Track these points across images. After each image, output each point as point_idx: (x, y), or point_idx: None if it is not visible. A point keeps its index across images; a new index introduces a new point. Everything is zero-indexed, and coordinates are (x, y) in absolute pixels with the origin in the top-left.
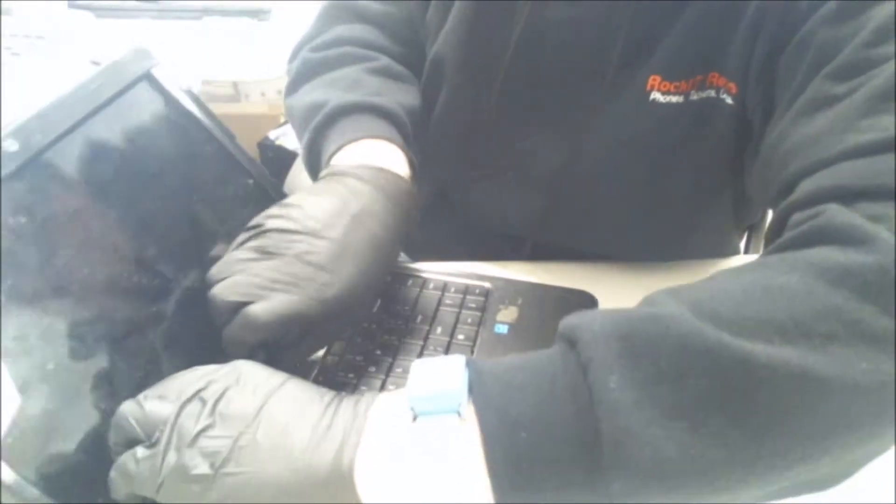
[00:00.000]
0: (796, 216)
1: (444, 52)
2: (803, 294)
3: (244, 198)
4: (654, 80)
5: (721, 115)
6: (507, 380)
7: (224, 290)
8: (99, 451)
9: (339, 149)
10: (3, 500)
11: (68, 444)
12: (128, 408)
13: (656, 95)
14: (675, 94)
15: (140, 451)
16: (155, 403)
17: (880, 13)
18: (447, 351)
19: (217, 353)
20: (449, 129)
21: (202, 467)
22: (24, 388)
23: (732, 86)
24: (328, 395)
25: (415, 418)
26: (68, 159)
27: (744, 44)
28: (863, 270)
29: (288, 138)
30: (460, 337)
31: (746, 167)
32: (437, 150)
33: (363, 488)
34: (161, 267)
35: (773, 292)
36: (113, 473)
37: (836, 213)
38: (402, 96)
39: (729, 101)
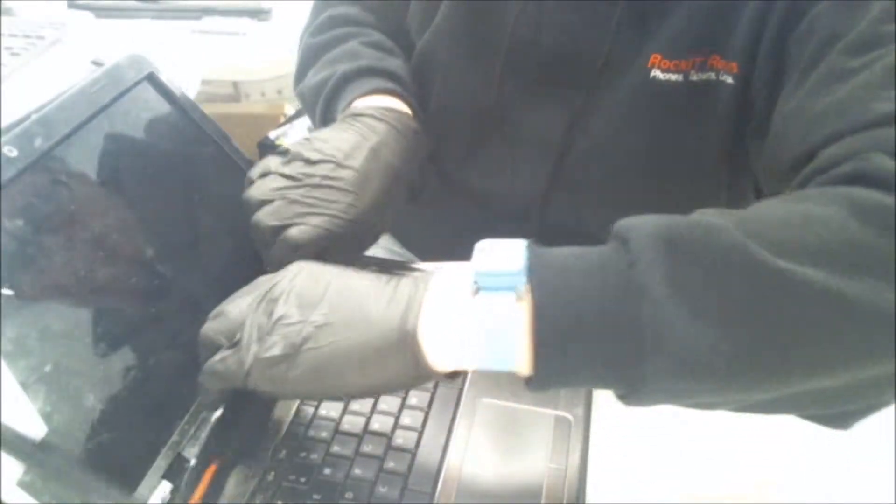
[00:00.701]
0: (820, 178)
1: (438, 38)
2: (837, 226)
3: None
4: (655, 58)
5: (721, 98)
6: (562, 265)
7: (266, 216)
8: (98, 451)
9: (349, 105)
10: (3, 500)
11: (68, 444)
12: (207, 326)
13: (657, 73)
14: (674, 72)
15: (223, 352)
16: (230, 310)
17: None
18: None
19: None
20: (450, 111)
21: (284, 349)
22: (24, 387)
23: (734, 65)
24: (384, 274)
25: (476, 292)
26: (67, 163)
27: (750, 25)
28: (893, 213)
29: (288, 138)
30: None
31: (752, 147)
32: (438, 132)
33: (429, 351)
34: (160, 267)
35: (811, 221)
36: (202, 377)
37: (877, 159)
38: (399, 63)
39: (730, 80)
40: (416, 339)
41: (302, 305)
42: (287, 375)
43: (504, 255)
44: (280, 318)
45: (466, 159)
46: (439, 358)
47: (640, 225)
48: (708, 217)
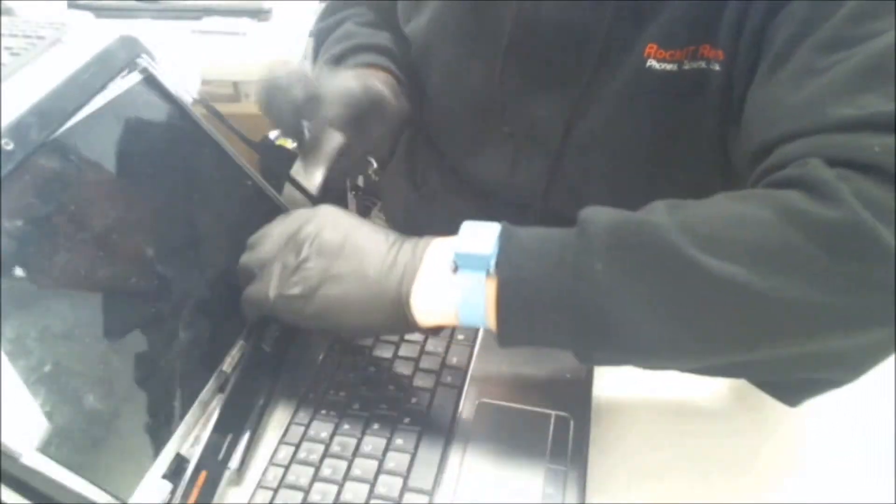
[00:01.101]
0: (768, 178)
1: (435, 34)
2: (767, 227)
3: (242, 198)
4: (651, 48)
5: (710, 85)
6: (526, 248)
7: None
8: (98, 451)
9: None
10: (4, 500)
11: (68, 444)
12: (245, 256)
13: (652, 63)
14: (669, 62)
15: (255, 282)
16: (262, 244)
17: None
18: (447, 351)
19: (216, 350)
20: (450, 104)
21: (303, 291)
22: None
23: (720, 53)
24: (392, 235)
25: (455, 269)
26: (65, 161)
27: (735, 13)
28: (820, 220)
29: (288, 138)
30: (460, 337)
31: (730, 134)
32: (439, 125)
33: (417, 311)
34: (159, 266)
35: (745, 222)
36: (242, 305)
37: (815, 167)
38: (387, 36)
39: (717, 68)
40: (407, 302)
41: (321, 253)
42: (303, 310)
43: (480, 238)
44: (303, 261)
45: (467, 152)
46: (424, 317)
47: (598, 216)
48: (655, 215)
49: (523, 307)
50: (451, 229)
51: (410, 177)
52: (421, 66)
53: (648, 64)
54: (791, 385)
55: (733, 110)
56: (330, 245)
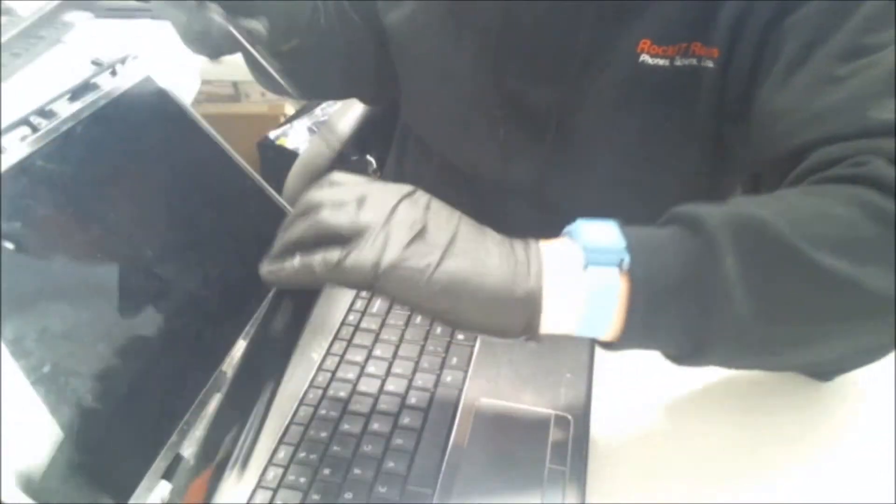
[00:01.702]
0: (815, 177)
1: (422, 27)
2: (854, 223)
3: (241, 197)
4: (644, 43)
5: (702, 83)
6: (653, 245)
7: None
8: (98, 451)
9: None
10: (3, 500)
11: (67, 444)
12: (329, 214)
13: (645, 57)
14: (662, 57)
15: (352, 246)
16: (360, 207)
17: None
18: (447, 351)
19: (215, 351)
20: (440, 97)
21: (427, 263)
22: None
23: (714, 51)
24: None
25: (586, 266)
26: (66, 160)
27: (734, 12)
28: (893, 214)
29: (288, 138)
30: (460, 337)
31: (728, 130)
32: (426, 117)
33: (544, 310)
34: (158, 266)
35: (832, 218)
36: (308, 261)
37: (880, 166)
38: None
39: (710, 65)
40: (538, 300)
41: (440, 228)
42: (420, 288)
43: (605, 233)
44: (426, 232)
45: (458, 146)
46: (548, 319)
47: (711, 214)
48: (753, 209)
49: (652, 303)
50: None
51: (401, 180)
52: (403, 60)
53: (641, 59)
54: (830, 364)
55: (728, 109)
56: (447, 222)
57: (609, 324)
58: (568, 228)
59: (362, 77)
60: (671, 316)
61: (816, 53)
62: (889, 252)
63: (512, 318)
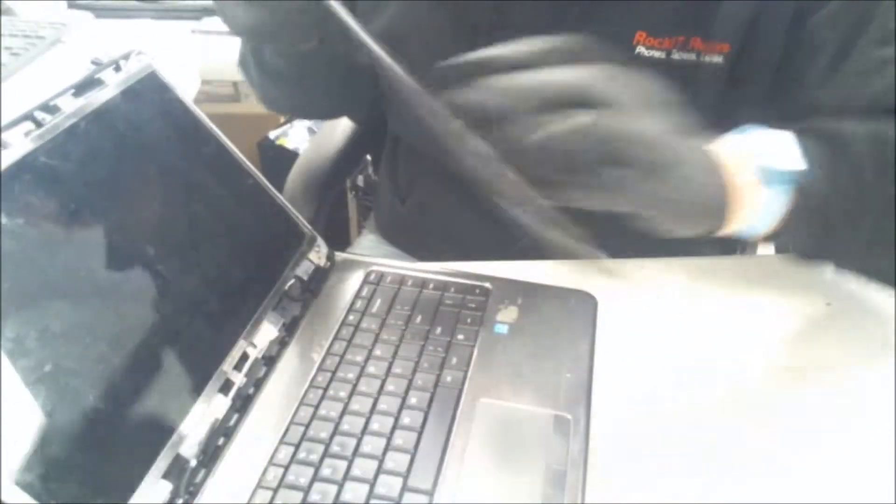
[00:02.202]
0: None
1: (399, 29)
2: None
3: (242, 197)
4: (640, 35)
5: (705, 78)
6: (819, 161)
7: None
8: (98, 451)
9: None
10: (3, 500)
11: (68, 444)
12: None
13: (641, 49)
14: (657, 49)
15: (629, 169)
16: (647, 131)
17: None
18: (447, 351)
19: (215, 351)
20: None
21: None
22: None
23: (724, 46)
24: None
25: (762, 182)
26: (69, 157)
27: (743, 11)
28: None
29: (288, 138)
30: (460, 337)
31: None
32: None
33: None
34: (159, 266)
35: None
36: (562, 127)
37: None
38: None
39: (717, 60)
40: (731, 208)
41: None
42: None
43: (786, 153)
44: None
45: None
46: (731, 223)
47: (854, 133)
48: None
49: (811, 215)
50: (442, 240)
51: (395, 191)
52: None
53: (637, 50)
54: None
55: (736, 102)
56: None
57: (768, 229)
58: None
59: (358, 94)
60: (831, 224)
61: (858, 44)
62: None
63: (705, 221)
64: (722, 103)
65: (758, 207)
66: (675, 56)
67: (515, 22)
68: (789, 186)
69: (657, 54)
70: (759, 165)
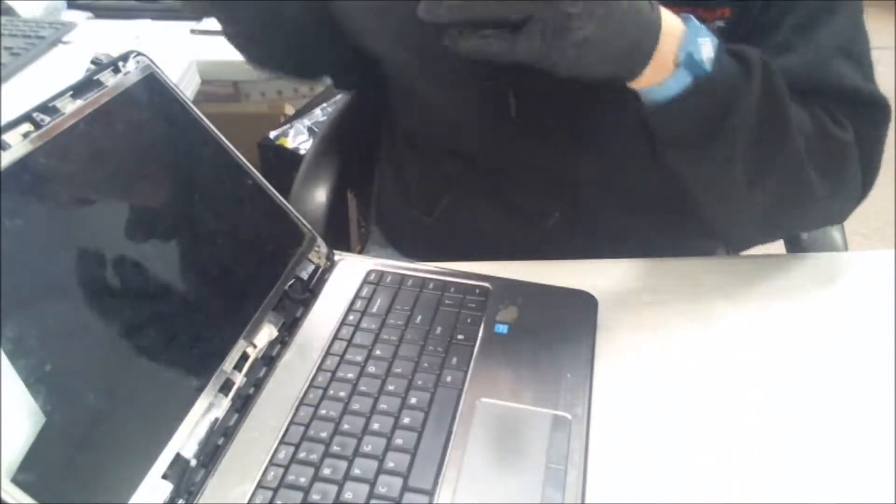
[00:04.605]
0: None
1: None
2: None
3: (242, 197)
4: None
5: None
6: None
7: None
8: (98, 451)
9: None
10: (4, 500)
11: (68, 444)
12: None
13: None
14: None
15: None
16: None
17: None
18: (447, 351)
19: (215, 351)
20: (435, 94)
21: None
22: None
23: (725, 11)
24: None
25: (676, 64)
26: (69, 158)
27: None
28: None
29: (288, 138)
30: (460, 337)
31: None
32: (429, 112)
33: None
34: (159, 265)
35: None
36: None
37: None
38: None
39: (720, 24)
40: (652, 55)
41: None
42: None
43: (705, 49)
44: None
45: (474, 139)
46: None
47: (758, 63)
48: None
49: (695, 103)
50: (475, 246)
51: (419, 207)
52: (388, 61)
53: None
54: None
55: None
56: None
57: (664, 96)
58: (690, 22)
59: (315, 53)
60: (702, 109)
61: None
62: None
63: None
64: None
65: (666, 75)
66: None
67: None
68: (693, 76)
69: None
70: (683, 43)
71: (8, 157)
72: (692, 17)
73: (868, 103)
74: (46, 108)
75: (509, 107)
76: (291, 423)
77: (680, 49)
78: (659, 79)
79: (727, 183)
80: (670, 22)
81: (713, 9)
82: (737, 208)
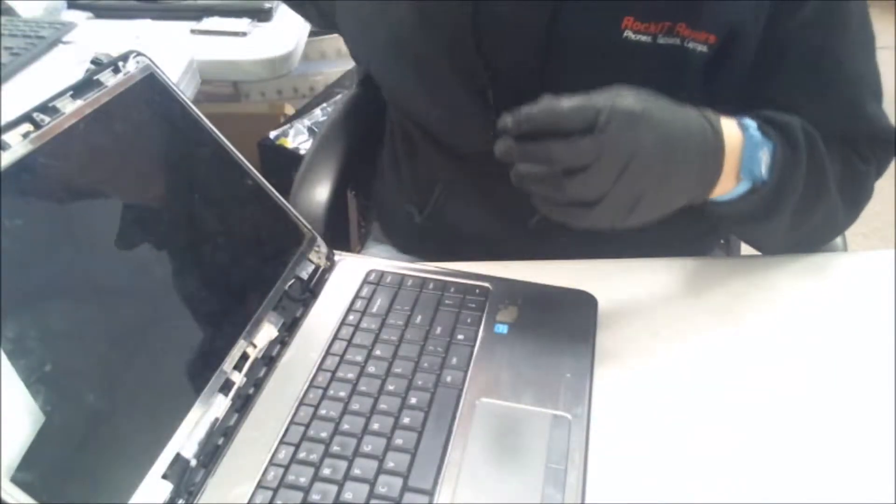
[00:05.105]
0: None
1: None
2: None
3: (242, 197)
4: (628, 20)
5: (689, 64)
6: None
7: None
8: (98, 451)
9: None
10: (4, 500)
11: (68, 444)
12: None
13: (629, 33)
14: (644, 34)
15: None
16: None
17: None
18: (447, 351)
19: (215, 351)
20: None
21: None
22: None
23: (710, 37)
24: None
25: (737, 180)
26: (68, 158)
27: (730, 6)
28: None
29: (288, 138)
30: (460, 337)
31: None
32: (420, 101)
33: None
34: (159, 265)
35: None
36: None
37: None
38: None
39: (702, 49)
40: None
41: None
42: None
43: (762, 162)
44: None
45: (448, 119)
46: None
47: (798, 136)
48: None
49: (753, 200)
50: (468, 245)
51: (413, 202)
52: (378, 53)
53: (625, 35)
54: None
55: (714, 97)
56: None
57: (721, 199)
58: (748, 133)
59: None
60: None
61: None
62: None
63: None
64: (703, 95)
65: (726, 190)
66: (661, 41)
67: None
68: (752, 181)
69: (644, 38)
70: (744, 162)
71: (8, 157)
72: (749, 123)
73: (892, 139)
74: (46, 108)
75: (495, 110)
76: (291, 422)
77: (742, 170)
78: (718, 194)
79: (770, 233)
80: (730, 142)
81: (698, 30)
82: (774, 244)
